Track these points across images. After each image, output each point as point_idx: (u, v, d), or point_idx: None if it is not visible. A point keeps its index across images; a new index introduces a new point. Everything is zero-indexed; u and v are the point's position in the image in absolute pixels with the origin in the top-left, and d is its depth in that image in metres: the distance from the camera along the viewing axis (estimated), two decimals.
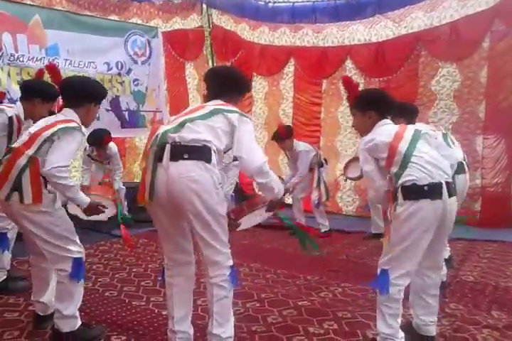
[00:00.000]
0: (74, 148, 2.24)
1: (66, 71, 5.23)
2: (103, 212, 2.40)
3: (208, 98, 2.34)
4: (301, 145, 4.85)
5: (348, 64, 6.02)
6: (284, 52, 6.45)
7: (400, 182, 2.13)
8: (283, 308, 2.87)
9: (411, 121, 3.14)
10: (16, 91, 4.77)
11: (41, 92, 2.88)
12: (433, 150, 2.25)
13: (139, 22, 6.14)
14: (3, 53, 4.82)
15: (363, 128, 2.43)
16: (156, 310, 2.82)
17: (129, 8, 6.07)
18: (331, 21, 6.09)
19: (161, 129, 2.10)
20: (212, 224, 2.04)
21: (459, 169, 3.02)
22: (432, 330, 2.34)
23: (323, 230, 4.94)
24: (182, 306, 2.19)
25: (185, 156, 1.99)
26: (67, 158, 2.18)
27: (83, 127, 2.33)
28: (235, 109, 2.18)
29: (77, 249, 2.30)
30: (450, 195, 2.14)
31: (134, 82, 6.01)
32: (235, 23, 6.76)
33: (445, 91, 5.36)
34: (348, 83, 2.53)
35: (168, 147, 2.01)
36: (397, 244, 2.14)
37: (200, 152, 2.01)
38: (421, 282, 2.29)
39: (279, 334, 2.51)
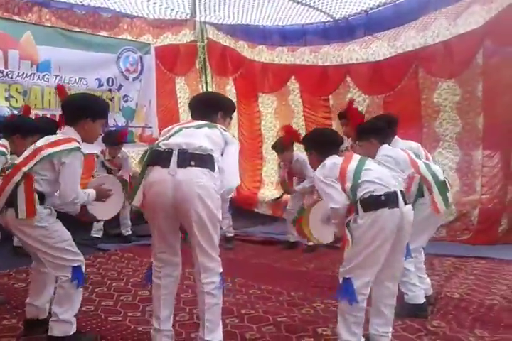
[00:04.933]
0: (79, 172, 2.36)
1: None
2: (110, 190, 2.59)
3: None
4: (301, 155, 4.82)
5: (350, 81, 6.07)
6: (285, 70, 6.52)
7: (358, 195, 2.25)
8: (262, 324, 2.82)
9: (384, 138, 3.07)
10: (3, 108, 4.81)
11: (18, 128, 2.97)
12: (382, 167, 2.39)
13: (129, 38, 6.19)
14: None
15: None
16: (132, 326, 2.77)
17: (120, 25, 6.12)
18: (322, 43, 6.20)
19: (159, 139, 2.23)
20: (210, 230, 2.15)
21: (443, 187, 3.00)
22: None
23: (309, 244, 4.88)
24: (167, 306, 2.30)
25: (192, 163, 2.10)
26: (77, 186, 2.34)
27: (82, 144, 2.40)
28: (225, 128, 2.34)
29: (75, 258, 2.39)
30: (405, 203, 2.27)
31: (123, 98, 6.05)
32: (234, 40, 6.86)
33: (448, 103, 5.42)
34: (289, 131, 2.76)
35: (175, 153, 2.11)
36: (359, 252, 2.21)
37: (205, 160, 2.13)
38: (379, 292, 2.35)
39: None
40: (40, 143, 2.40)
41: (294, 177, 5.05)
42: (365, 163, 2.36)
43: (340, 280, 2.28)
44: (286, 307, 3.16)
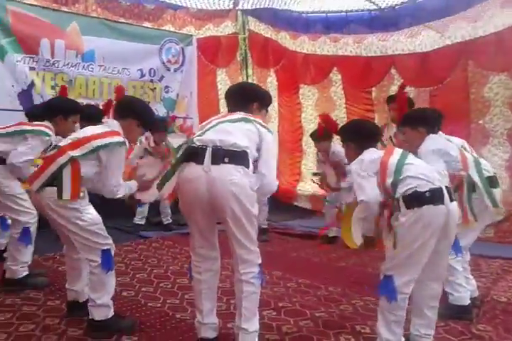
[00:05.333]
0: (123, 166, 2.48)
1: (100, 78, 5.41)
2: (152, 182, 2.69)
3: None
4: (337, 147, 4.71)
5: (395, 73, 5.91)
6: (327, 62, 6.41)
7: (399, 191, 2.15)
8: (299, 318, 2.79)
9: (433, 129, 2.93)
10: (49, 96, 4.96)
11: (59, 109, 3.04)
12: (424, 163, 2.29)
13: (172, 29, 6.23)
14: (39, 59, 5.01)
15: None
16: (171, 313, 2.81)
17: (163, 16, 6.16)
18: (367, 32, 6.03)
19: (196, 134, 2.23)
20: (246, 225, 2.14)
21: (492, 183, 2.87)
22: None
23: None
24: (209, 300, 2.31)
25: (226, 160, 2.08)
26: (120, 177, 2.46)
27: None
28: (263, 123, 2.30)
29: (105, 241, 2.44)
30: (451, 200, 2.16)
31: (165, 88, 6.11)
32: (275, 32, 6.80)
33: (499, 97, 5.19)
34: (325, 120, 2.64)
35: (209, 150, 2.09)
36: (402, 250, 2.13)
37: (239, 157, 2.11)
38: (422, 292, 2.25)
39: None
40: (87, 132, 2.47)
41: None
42: (407, 157, 2.26)
43: (381, 277, 2.22)
44: (324, 302, 3.11)
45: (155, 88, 6.00)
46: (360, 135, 2.45)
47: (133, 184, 2.60)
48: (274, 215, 5.80)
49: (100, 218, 2.49)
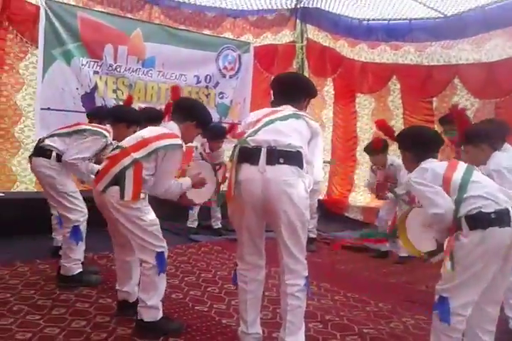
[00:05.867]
0: (177, 167, 2.54)
1: (159, 83, 5.57)
2: (205, 181, 2.70)
3: (275, 103, 2.42)
4: (395, 159, 4.60)
5: (458, 83, 5.69)
6: (387, 70, 6.29)
7: (462, 211, 2.02)
8: (347, 333, 2.71)
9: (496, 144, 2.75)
10: (111, 99, 5.18)
11: (125, 118, 3.15)
12: (490, 180, 2.16)
13: (231, 37, 6.32)
14: (103, 63, 5.23)
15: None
16: (217, 318, 2.81)
17: (223, 24, 6.27)
18: (430, 40, 5.84)
19: (246, 134, 2.20)
20: (298, 229, 2.10)
21: None
22: None
23: (401, 255, 4.61)
24: (254, 310, 2.28)
25: (281, 161, 2.06)
26: (171, 179, 2.50)
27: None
28: (311, 117, 2.28)
29: (160, 244, 2.48)
30: None
31: (219, 95, 6.21)
32: (334, 40, 6.75)
33: None
34: (381, 126, 2.64)
35: (264, 151, 2.07)
36: (462, 272, 2.01)
37: (294, 157, 2.08)
38: (477, 316, 2.10)
39: None
40: (147, 133, 2.52)
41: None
42: (472, 173, 2.13)
43: (436, 298, 2.10)
44: (373, 318, 3.01)
45: (209, 94, 6.12)
46: (419, 142, 2.31)
47: (186, 181, 2.60)
48: (325, 225, 5.70)
49: (158, 220, 2.53)
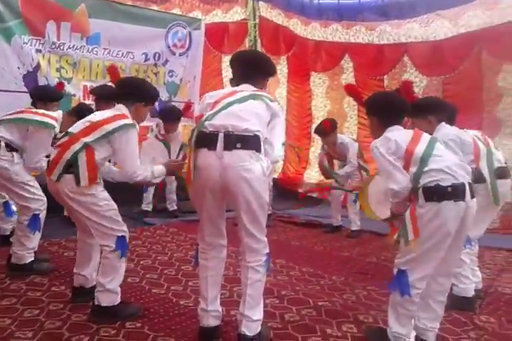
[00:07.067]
0: (136, 147, 2.46)
1: (104, 61, 5.37)
2: (182, 164, 2.66)
3: (234, 82, 2.42)
4: (344, 138, 4.77)
5: (408, 61, 5.82)
6: (339, 49, 6.34)
7: (421, 182, 2.08)
8: (302, 307, 2.80)
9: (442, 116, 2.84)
10: (54, 79, 4.95)
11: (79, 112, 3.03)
12: (451, 153, 2.21)
13: (179, 13, 6.14)
14: (45, 41, 4.96)
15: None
16: (175, 300, 2.83)
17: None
18: (379, 20, 5.91)
19: (204, 116, 2.17)
20: (257, 212, 2.13)
21: (503, 173, 2.83)
22: (431, 336, 2.27)
23: (353, 228, 4.79)
24: (214, 287, 2.30)
25: (238, 146, 2.06)
26: (137, 160, 2.43)
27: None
28: (271, 97, 2.27)
29: (120, 228, 2.46)
30: (472, 197, 2.09)
31: (169, 73, 6.04)
32: (287, 18, 6.69)
33: None
34: (351, 91, 2.68)
35: (221, 136, 2.07)
36: (418, 245, 2.07)
37: (251, 142, 2.09)
38: (431, 286, 2.21)
39: (295, 333, 2.45)
40: (96, 117, 2.46)
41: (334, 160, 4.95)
42: (434, 146, 2.17)
43: (395, 271, 2.18)
44: (327, 291, 3.12)
45: (158, 72, 5.94)
46: (386, 109, 2.33)
47: (159, 168, 2.55)
48: (279, 203, 5.79)
49: (115, 204, 2.49)
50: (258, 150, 2.11)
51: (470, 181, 2.12)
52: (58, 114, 3.18)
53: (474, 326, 2.58)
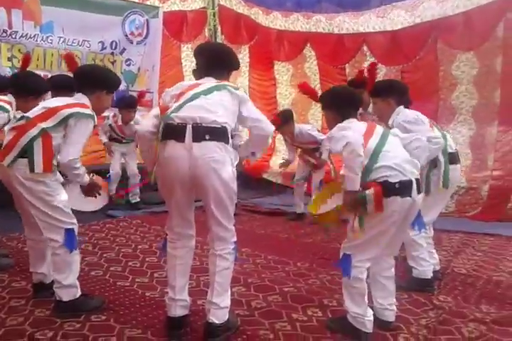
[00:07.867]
0: (86, 139, 2.38)
1: (59, 50, 5.19)
2: (99, 194, 2.54)
3: (197, 74, 2.39)
4: (304, 127, 4.82)
5: (367, 51, 5.95)
6: (301, 38, 6.39)
7: (370, 177, 2.14)
8: (268, 294, 2.84)
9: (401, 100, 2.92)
10: (5, 68, 4.76)
11: (34, 89, 2.87)
12: (401, 148, 2.27)
13: (136, 1, 6.01)
14: None
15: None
16: (140, 291, 2.80)
17: None
18: (338, 11, 6.01)
19: (171, 108, 2.15)
20: (226, 202, 2.16)
21: (453, 159, 2.95)
22: (390, 315, 2.38)
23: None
24: (183, 276, 2.30)
25: (207, 137, 2.07)
26: (80, 150, 2.34)
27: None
28: (233, 85, 2.29)
29: (69, 220, 2.39)
30: (418, 192, 2.20)
31: (126, 62, 5.94)
32: (248, 7, 6.66)
33: (465, 76, 5.32)
34: (304, 88, 2.69)
35: (189, 128, 2.06)
36: (363, 233, 2.16)
37: (219, 133, 2.10)
38: (377, 266, 2.34)
39: (262, 319, 2.48)
40: (55, 103, 2.38)
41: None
42: (386, 140, 2.22)
43: (341, 255, 2.28)
44: (292, 277, 3.17)
45: (115, 61, 5.82)
46: (340, 102, 2.38)
47: (86, 178, 2.42)
48: (244, 193, 5.80)
49: (67, 196, 2.42)
50: (227, 141, 2.12)
51: (418, 177, 2.21)
52: (10, 97, 3.04)
53: (433, 306, 2.69)
